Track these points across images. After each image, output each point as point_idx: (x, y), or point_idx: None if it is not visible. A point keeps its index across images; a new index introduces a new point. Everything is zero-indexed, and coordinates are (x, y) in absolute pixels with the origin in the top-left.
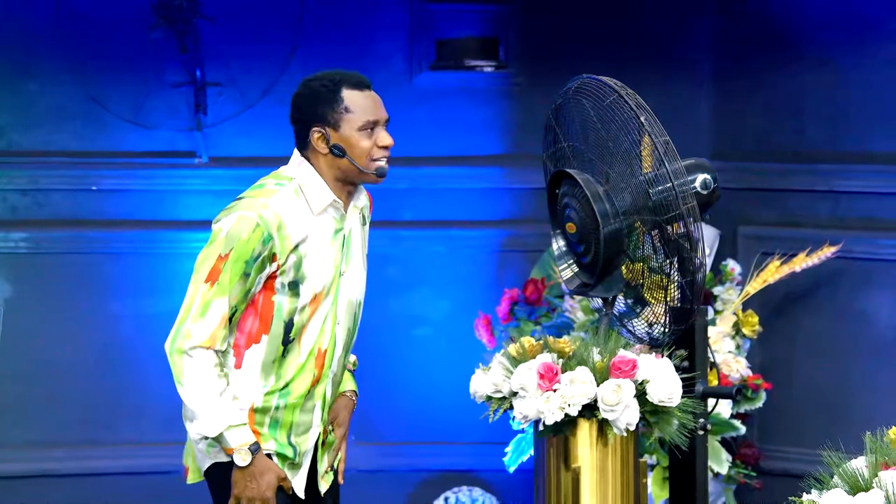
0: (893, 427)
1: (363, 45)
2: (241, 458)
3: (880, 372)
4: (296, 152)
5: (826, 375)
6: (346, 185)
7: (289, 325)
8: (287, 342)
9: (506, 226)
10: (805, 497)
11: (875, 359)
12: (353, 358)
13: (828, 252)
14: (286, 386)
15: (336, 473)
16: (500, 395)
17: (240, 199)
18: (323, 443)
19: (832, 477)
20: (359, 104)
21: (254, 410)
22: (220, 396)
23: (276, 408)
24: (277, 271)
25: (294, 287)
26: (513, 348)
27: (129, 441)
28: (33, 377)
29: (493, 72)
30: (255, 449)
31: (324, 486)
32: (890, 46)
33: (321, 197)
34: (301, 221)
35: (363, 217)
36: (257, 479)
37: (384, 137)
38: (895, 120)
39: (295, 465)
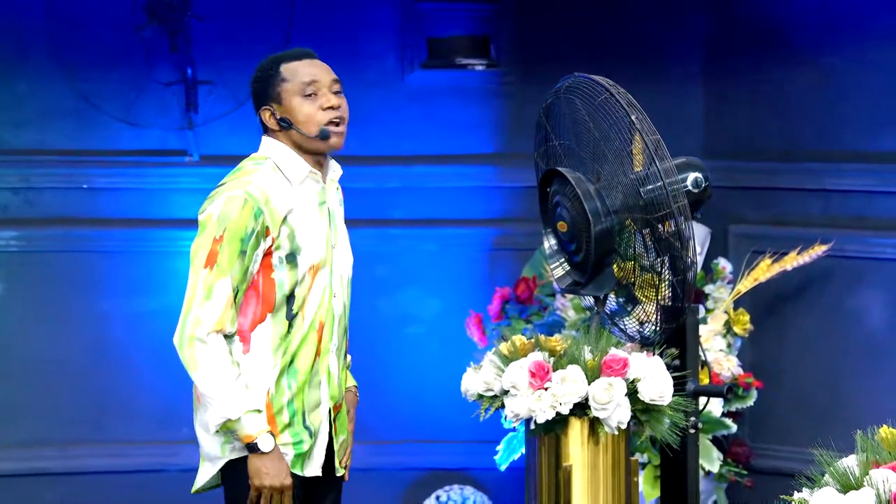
0: (884, 425)
1: (354, 44)
2: (266, 443)
3: (871, 370)
4: (263, 137)
5: (817, 374)
6: (311, 155)
7: (291, 299)
8: (291, 316)
9: (497, 224)
10: (796, 495)
11: (866, 357)
12: (347, 358)
13: (819, 250)
14: (292, 361)
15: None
16: (491, 394)
17: (222, 184)
18: (334, 419)
19: (823, 475)
20: (294, 71)
21: (271, 399)
22: (236, 381)
23: (289, 387)
24: (272, 246)
25: (292, 259)
26: (504, 347)
27: (119, 440)
28: (24, 376)
29: (485, 70)
30: (273, 435)
31: (340, 470)
32: (879, 45)
33: (298, 168)
34: (284, 194)
35: (339, 199)
36: (277, 465)
37: (328, 99)
38: (885, 118)
39: (311, 455)
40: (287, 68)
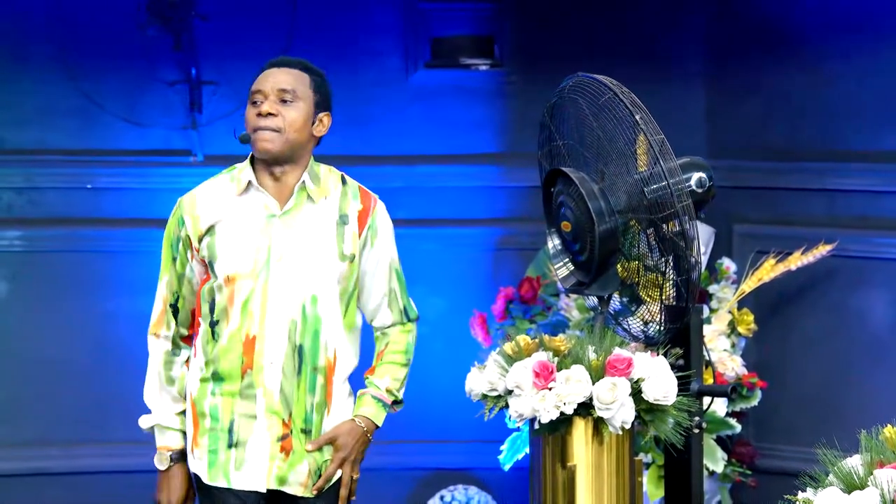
0: (888, 425)
1: (358, 44)
2: (160, 461)
3: (875, 370)
4: None
5: (821, 373)
6: (265, 164)
7: (212, 307)
8: (213, 324)
9: (501, 224)
10: (800, 495)
11: (870, 356)
12: (386, 383)
13: (823, 250)
14: (216, 371)
15: (338, 499)
16: (495, 394)
17: None
18: (284, 437)
19: (827, 475)
20: (256, 79)
21: (194, 401)
22: (159, 392)
23: (213, 394)
24: (199, 255)
25: (211, 267)
26: (508, 346)
27: (122, 440)
28: (27, 376)
29: (488, 70)
30: (175, 458)
31: (295, 490)
32: (882, 45)
33: (242, 178)
34: (218, 203)
35: (343, 216)
36: (170, 482)
37: (259, 106)
38: (888, 118)
39: (238, 465)
40: (257, 78)
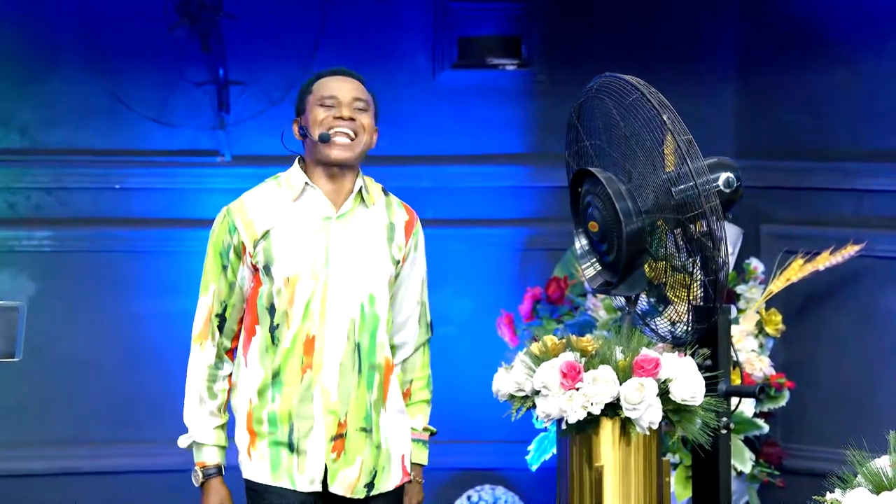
0: None
1: (385, 44)
2: (195, 478)
3: None
4: None
5: (849, 374)
6: (326, 167)
7: (272, 311)
8: (273, 328)
9: (528, 224)
10: (829, 496)
11: None
12: (421, 423)
13: (851, 251)
14: (277, 375)
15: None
16: (522, 394)
17: None
18: (338, 437)
19: (856, 476)
20: (321, 85)
21: (252, 409)
22: (199, 406)
23: (273, 400)
24: (253, 260)
25: (268, 271)
26: (535, 347)
27: (151, 439)
28: (56, 375)
29: (516, 70)
30: (211, 473)
31: (338, 489)
32: None
33: (295, 182)
34: (272, 209)
35: (391, 223)
36: (208, 499)
37: (340, 111)
38: None
39: (300, 468)
40: (318, 83)
